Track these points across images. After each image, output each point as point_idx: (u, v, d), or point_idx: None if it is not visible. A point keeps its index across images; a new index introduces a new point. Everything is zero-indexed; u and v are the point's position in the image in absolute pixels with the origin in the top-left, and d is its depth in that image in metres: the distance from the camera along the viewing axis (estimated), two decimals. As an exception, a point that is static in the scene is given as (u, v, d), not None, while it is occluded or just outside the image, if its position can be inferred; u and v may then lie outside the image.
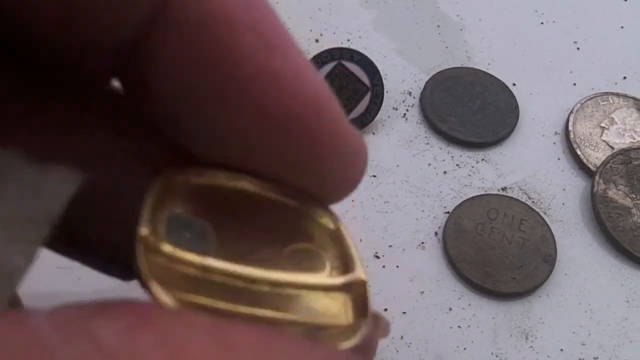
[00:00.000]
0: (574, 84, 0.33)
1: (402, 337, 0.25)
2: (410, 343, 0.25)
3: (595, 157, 0.30)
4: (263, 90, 0.11)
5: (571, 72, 0.34)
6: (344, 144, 0.12)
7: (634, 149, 0.30)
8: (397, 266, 0.26)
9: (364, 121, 0.30)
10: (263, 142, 0.11)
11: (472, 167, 0.30)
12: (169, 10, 0.10)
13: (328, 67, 0.30)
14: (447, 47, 0.34)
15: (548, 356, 0.25)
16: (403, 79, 0.32)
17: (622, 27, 0.36)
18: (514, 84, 0.33)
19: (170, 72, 0.11)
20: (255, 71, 0.10)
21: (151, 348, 0.08)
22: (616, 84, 0.34)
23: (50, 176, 0.10)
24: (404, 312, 0.25)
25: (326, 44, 0.32)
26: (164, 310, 0.09)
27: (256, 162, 0.12)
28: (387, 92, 0.31)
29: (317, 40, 0.34)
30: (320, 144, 0.11)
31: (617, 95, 0.33)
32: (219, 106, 0.11)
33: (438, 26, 0.35)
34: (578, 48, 0.35)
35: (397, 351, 0.24)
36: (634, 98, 0.33)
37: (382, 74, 0.30)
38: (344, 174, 0.12)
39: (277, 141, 0.11)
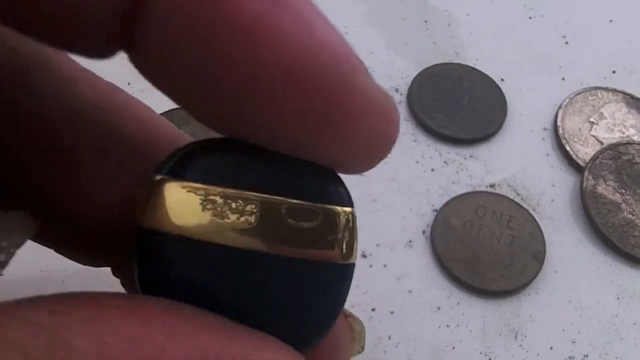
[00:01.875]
0: (563, 79, 0.33)
1: (390, 337, 0.25)
2: (399, 343, 0.24)
3: (584, 152, 0.30)
4: (273, 49, 0.10)
5: (560, 66, 0.34)
6: (367, 101, 0.10)
7: (623, 144, 0.30)
8: (385, 265, 0.26)
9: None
10: (273, 102, 0.10)
11: (460, 164, 0.30)
12: None
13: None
14: (434, 42, 0.34)
15: (538, 354, 0.25)
16: (390, 75, 0.32)
17: (610, 21, 0.36)
18: (502, 80, 0.33)
19: (172, 28, 0.10)
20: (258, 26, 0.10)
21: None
22: (605, 78, 0.34)
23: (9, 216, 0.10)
24: (392, 312, 0.25)
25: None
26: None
27: (268, 127, 0.10)
28: (374, 88, 0.31)
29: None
30: (339, 98, 0.10)
31: (606, 89, 0.33)
32: (230, 64, 0.10)
33: (425, 21, 0.35)
34: (567, 42, 0.35)
35: (385, 351, 0.24)
36: (623, 92, 0.33)
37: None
38: (371, 136, 0.11)
39: (288, 99, 0.10)
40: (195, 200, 0.10)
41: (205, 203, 0.10)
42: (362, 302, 0.25)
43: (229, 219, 0.11)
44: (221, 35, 0.09)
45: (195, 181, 0.11)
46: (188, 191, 0.10)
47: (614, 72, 0.34)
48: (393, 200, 0.28)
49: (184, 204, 0.10)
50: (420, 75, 0.32)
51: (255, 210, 0.11)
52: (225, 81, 0.10)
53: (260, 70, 0.10)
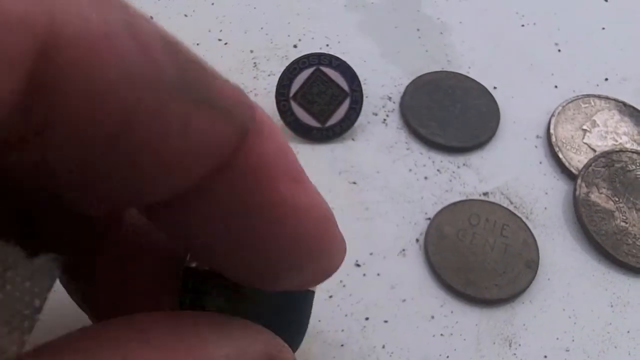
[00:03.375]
0: (555, 87, 0.34)
1: (384, 347, 0.25)
2: (392, 352, 0.25)
3: (577, 160, 0.31)
4: (292, 219, 0.13)
5: (552, 74, 0.34)
6: (336, 249, 0.15)
7: (616, 151, 0.31)
8: (378, 274, 0.27)
9: (343, 127, 0.30)
10: (283, 259, 0.14)
11: (453, 172, 0.30)
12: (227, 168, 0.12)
13: (306, 72, 0.30)
14: (427, 50, 0.35)
15: (532, 363, 0.25)
16: (383, 83, 0.33)
17: (603, 29, 0.37)
18: (495, 88, 0.33)
19: (216, 215, 0.13)
20: (288, 207, 0.13)
21: None
22: (598, 85, 0.34)
23: (37, 262, 0.11)
24: (386, 321, 0.26)
25: (305, 49, 0.32)
26: None
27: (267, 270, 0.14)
28: (366, 97, 0.31)
29: (295, 46, 0.34)
30: (321, 251, 0.14)
31: (599, 97, 0.33)
32: (256, 238, 0.13)
33: (418, 30, 0.35)
34: (559, 50, 0.35)
35: (379, 361, 0.25)
36: (615, 100, 0.33)
37: (361, 79, 0.30)
38: (328, 268, 0.16)
39: (293, 255, 0.14)
40: None
41: None
42: (355, 311, 0.26)
43: None
44: (270, 215, 0.13)
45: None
46: None
47: (606, 79, 0.34)
48: (386, 208, 0.29)
49: None
50: (412, 83, 0.33)
51: None
52: (256, 246, 0.13)
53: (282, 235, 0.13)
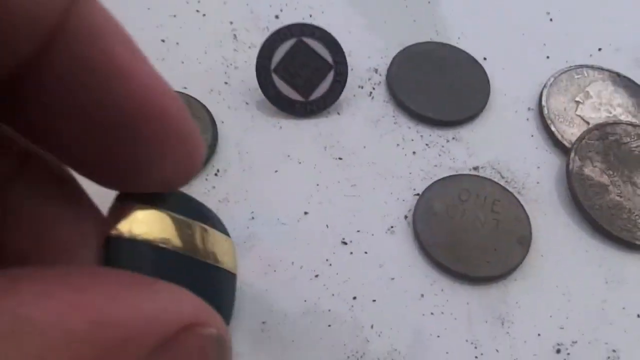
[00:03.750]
0: (548, 57, 0.33)
1: (372, 326, 0.24)
2: (381, 332, 0.24)
3: (570, 133, 0.30)
4: (136, 92, 0.13)
5: (544, 44, 0.33)
6: (191, 135, 0.14)
7: (610, 123, 0.30)
8: (366, 252, 0.26)
9: (328, 101, 0.29)
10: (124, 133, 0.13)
11: (442, 146, 0.29)
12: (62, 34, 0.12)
13: (288, 44, 0.29)
14: (414, 20, 0.33)
15: (525, 342, 0.24)
16: (369, 55, 0.32)
17: (595, -2, 0.36)
18: (485, 59, 0.32)
19: (60, 84, 0.12)
20: (128, 75, 0.12)
21: None
22: (591, 56, 0.33)
23: None
24: (374, 300, 0.25)
25: (287, 20, 0.31)
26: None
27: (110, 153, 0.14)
28: (352, 69, 0.30)
29: (277, 17, 0.33)
30: (174, 133, 0.13)
31: (592, 68, 0.32)
32: (105, 119, 0.13)
33: (405, -1, 0.34)
34: (551, 19, 0.34)
35: (368, 341, 0.24)
36: (609, 71, 0.32)
37: (346, 51, 0.29)
38: (188, 162, 0.14)
39: (146, 137, 0.13)
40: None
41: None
42: (342, 291, 0.25)
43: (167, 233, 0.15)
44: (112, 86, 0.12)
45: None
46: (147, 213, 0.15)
47: (600, 49, 0.34)
48: (373, 185, 0.28)
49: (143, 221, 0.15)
50: (400, 55, 0.32)
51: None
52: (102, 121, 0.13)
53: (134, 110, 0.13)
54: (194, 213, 0.17)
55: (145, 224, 0.16)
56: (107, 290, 0.11)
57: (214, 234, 0.17)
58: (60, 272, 0.11)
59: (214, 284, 0.17)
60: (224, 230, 0.18)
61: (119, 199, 0.15)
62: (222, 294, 0.18)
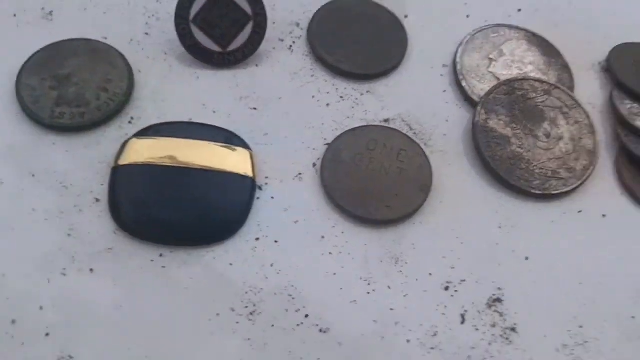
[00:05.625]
0: (467, 16, 0.35)
1: (272, 265, 0.27)
2: (280, 270, 0.26)
3: (480, 88, 0.32)
4: None
5: (465, 4, 0.35)
6: None
7: (519, 79, 0.32)
8: (273, 197, 0.28)
9: (246, 52, 0.31)
10: None
11: (356, 99, 0.31)
12: None
13: (206, -2, 0.31)
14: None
15: (416, 280, 0.27)
16: (292, 9, 0.34)
17: (519, -41, 0.38)
18: (406, 16, 0.34)
19: None
20: None
21: None
22: (510, 16, 0.35)
23: None
24: (276, 241, 0.27)
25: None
26: None
27: None
28: (273, 23, 0.32)
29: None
30: None
31: (509, 27, 0.35)
32: None
33: (332, -44, 0.36)
34: (473, -21, 0.36)
35: (267, 277, 0.26)
36: (525, 30, 0.35)
37: (269, 4, 0.31)
38: None
39: None
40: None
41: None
42: (246, 232, 0.27)
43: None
44: None
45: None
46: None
47: (519, 10, 0.36)
48: (286, 134, 0.30)
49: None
50: (321, 9, 0.34)
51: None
52: None
53: None
54: (200, 132, 0.28)
55: (143, 149, 0.27)
56: None
57: (210, 147, 0.28)
58: None
59: (218, 186, 0.27)
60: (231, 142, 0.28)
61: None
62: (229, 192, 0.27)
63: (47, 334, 0.24)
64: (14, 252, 0.25)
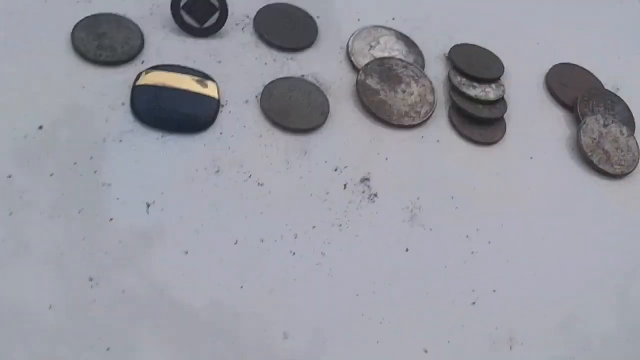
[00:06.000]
0: (359, 20, 0.54)
1: (229, 148, 0.44)
2: (235, 151, 0.44)
3: (363, 62, 0.51)
4: None
5: (358, 12, 0.55)
6: None
7: (387, 58, 0.51)
8: (230, 112, 0.46)
9: (215, 29, 0.49)
10: None
11: (284, 62, 0.50)
12: None
13: (192, -8, 0.48)
14: (276, -10, 0.54)
15: (316, 164, 0.45)
16: (245, 6, 0.52)
17: (395, -13, 0.57)
18: (318, 17, 0.53)
19: None
20: None
21: None
22: (387, 21, 0.55)
23: None
24: (232, 135, 0.45)
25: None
26: None
27: None
28: (232, 13, 0.50)
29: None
30: None
31: (385, 27, 0.54)
32: None
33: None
34: (364, -2, 0.56)
35: (226, 154, 0.44)
36: (395, 30, 0.54)
37: (231, 3, 0.49)
38: None
39: None
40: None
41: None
42: (214, 129, 0.44)
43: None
44: None
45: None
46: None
47: (393, 19, 0.55)
48: (240, 76, 0.48)
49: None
50: (263, 8, 0.52)
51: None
52: None
53: None
54: (184, 71, 0.45)
55: (151, 77, 0.44)
56: None
57: (192, 80, 0.44)
58: None
59: (194, 102, 0.44)
60: (205, 77, 0.46)
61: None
62: (202, 106, 0.44)
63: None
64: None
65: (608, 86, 0.57)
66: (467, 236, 0.44)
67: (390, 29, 0.54)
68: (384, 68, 0.51)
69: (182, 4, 0.48)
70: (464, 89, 0.51)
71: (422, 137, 0.49)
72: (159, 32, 0.49)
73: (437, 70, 0.53)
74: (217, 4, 0.49)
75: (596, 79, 0.57)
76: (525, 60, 0.56)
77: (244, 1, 0.52)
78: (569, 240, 0.46)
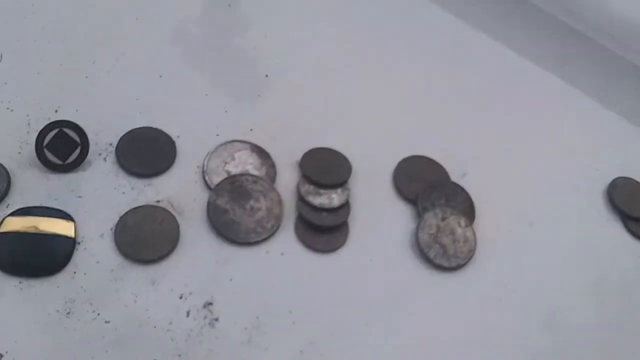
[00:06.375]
0: (217, 135, 0.60)
1: (82, 287, 0.50)
2: (92, 295, 0.50)
3: (216, 180, 0.57)
4: None
5: (217, 127, 0.60)
6: None
7: (239, 175, 0.57)
8: (85, 249, 0.52)
9: (74, 165, 0.55)
10: None
11: (141, 189, 0.55)
12: None
13: (54, 132, 0.54)
14: (140, 113, 0.59)
15: (171, 290, 0.51)
16: (108, 132, 0.57)
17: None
18: (178, 137, 0.59)
19: None
20: None
21: None
22: (245, 133, 0.60)
23: None
24: (85, 273, 0.51)
25: (60, 117, 0.56)
26: None
27: None
28: (96, 143, 0.56)
29: (56, 111, 0.58)
30: None
31: (241, 141, 0.60)
32: None
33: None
34: (226, 111, 0.61)
35: (84, 289, 0.50)
36: (250, 143, 0.59)
37: (92, 131, 0.55)
38: None
39: None
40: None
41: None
42: (69, 268, 0.50)
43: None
44: None
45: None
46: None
47: (251, 129, 0.61)
48: (96, 212, 0.53)
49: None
50: (125, 135, 0.57)
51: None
52: None
53: None
54: (43, 213, 0.49)
55: (8, 224, 0.49)
56: None
57: (51, 221, 0.49)
58: None
59: (51, 244, 0.49)
60: (63, 217, 0.50)
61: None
62: (58, 247, 0.49)
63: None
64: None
65: (454, 173, 0.62)
66: (301, 351, 0.51)
67: (245, 142, 0.59)
68: (234, 186, 0.56)
69: (45, 142, 0.54)
70: (310, 198, 0.57)
71: (267, 252, 0.55)
72: (25, 171, 0.54)
73: (288, 179, 0.59)
74: (77, 139, 0.54)
75: (442, 168, 0.62)
76: (375, 156, 0.61)
77: (108, 128, 0.58)
78: (405, 340, 0.52)
